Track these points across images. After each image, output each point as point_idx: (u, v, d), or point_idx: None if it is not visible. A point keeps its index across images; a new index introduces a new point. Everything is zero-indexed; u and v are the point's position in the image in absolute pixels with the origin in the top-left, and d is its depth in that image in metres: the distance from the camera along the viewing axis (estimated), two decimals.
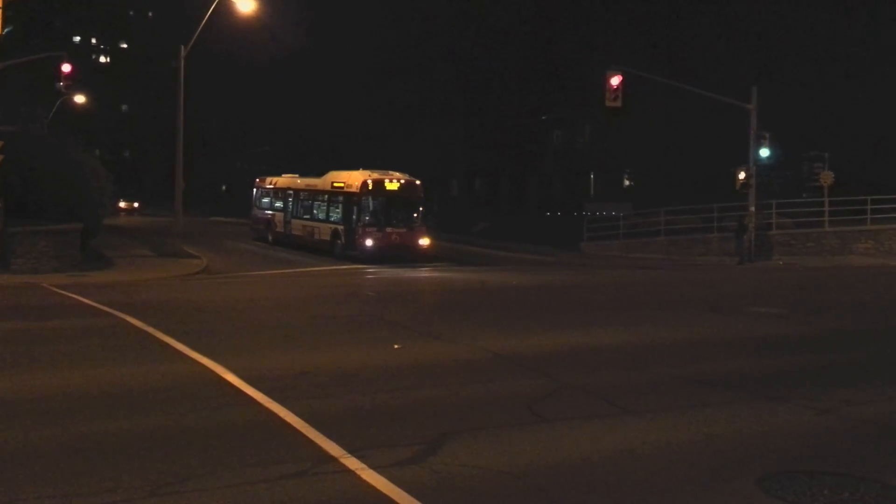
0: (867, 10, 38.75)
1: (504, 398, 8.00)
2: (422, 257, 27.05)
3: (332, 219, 28.94)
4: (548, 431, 6.83)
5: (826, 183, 30.41)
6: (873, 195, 30.97)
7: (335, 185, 29.06)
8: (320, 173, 31.22)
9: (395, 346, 10.77)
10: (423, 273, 23.80)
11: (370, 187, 27.07)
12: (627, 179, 54.71)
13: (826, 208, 30.50)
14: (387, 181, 27.47)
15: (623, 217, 36.70)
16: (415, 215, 27.70)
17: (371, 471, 5.67)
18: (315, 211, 30.62)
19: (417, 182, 28.09)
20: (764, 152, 29.39)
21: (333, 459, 5.94)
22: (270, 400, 7.56)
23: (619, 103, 27.51)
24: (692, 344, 11.37)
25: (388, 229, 26.88)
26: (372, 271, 23.74)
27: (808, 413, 7.47)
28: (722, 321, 13.72)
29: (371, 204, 27.15)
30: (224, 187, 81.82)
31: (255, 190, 36.80)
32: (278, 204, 33.93)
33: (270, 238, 33.70)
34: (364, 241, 26.64)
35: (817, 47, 37.90)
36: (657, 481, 5.66)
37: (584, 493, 5.46)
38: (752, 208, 28.78)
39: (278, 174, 36.01)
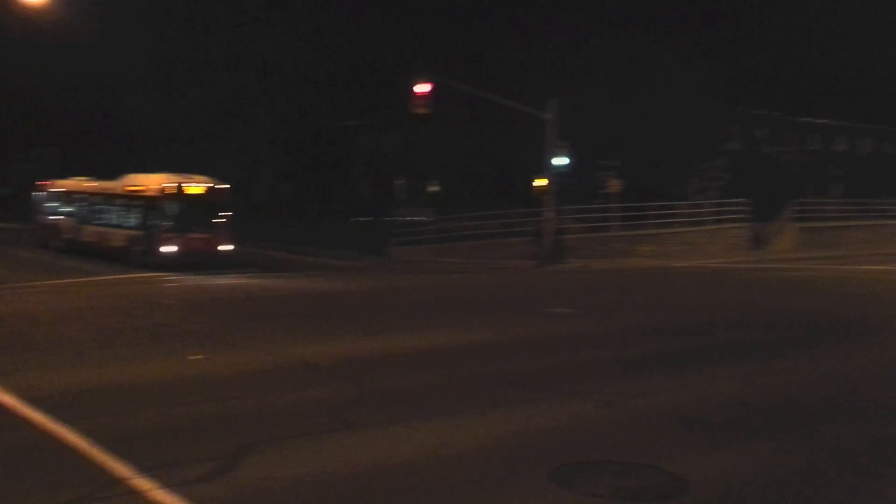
0: (656, 30, 42.02)
1: (309, 406, 7.91)
2: (226, 264, 26.20)
3: (129, 224, 27.40)
4: (353, 438, 6.82)
5: (615, 190, 32.61)
6: (655, 202, 33.66)
7: (132, 188, 27.55)
8: (115, 176, 29.51)
9: (195, 357, 10.35)
10: (227, 280, 23.06)
11: (170, 191, 25.89)
12: (435, 185, 55.94)
13: (614, 214, 32.69)
14: (188, 185, 26.41)
15: (430, 222, 37.43)
16: (218, 220, 26.78)
17: (163, 490, 5.40)
18: (110, 216, 28.87)
19: (220, 186, 27.21)
20: (561, 161, 31.02)
21: (120, 481, 5.59)
22: (53, 420, 7.02)
23: (426, 111, 27.97)
24: (494, 344, 11.77)
25: (190, 235, 25.82)
26: (172, 279, 22.69)
27: (597, 406, 7.94)
28: (522, 322, 14.31)
29: (171, 208, 25.97)
30: (6, 190, 75.17)
31: (40, 194, 34.13)
32: (68, 209, 31.65)
33: (59, 245, 31.35)
34: (163, 247, 25.43)
35: (611, 63, 40.64)
36: (456, 480, 5.81)
37: (384, 497, 5.50)
38: (550, 214, 30.29)
39: (66, 177, 33.62)
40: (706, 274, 25.58)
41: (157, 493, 5.37)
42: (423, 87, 27.46)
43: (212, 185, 27.01)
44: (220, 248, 26.47)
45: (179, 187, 26.15)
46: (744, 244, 36.08)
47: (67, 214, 31.48)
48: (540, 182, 30.85)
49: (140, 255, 26.15)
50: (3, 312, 14.98)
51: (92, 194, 30.33)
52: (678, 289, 21.07)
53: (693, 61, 41.64)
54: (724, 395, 8.54)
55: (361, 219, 52.24)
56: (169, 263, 25.21)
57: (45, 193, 33.63)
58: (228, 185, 27.58)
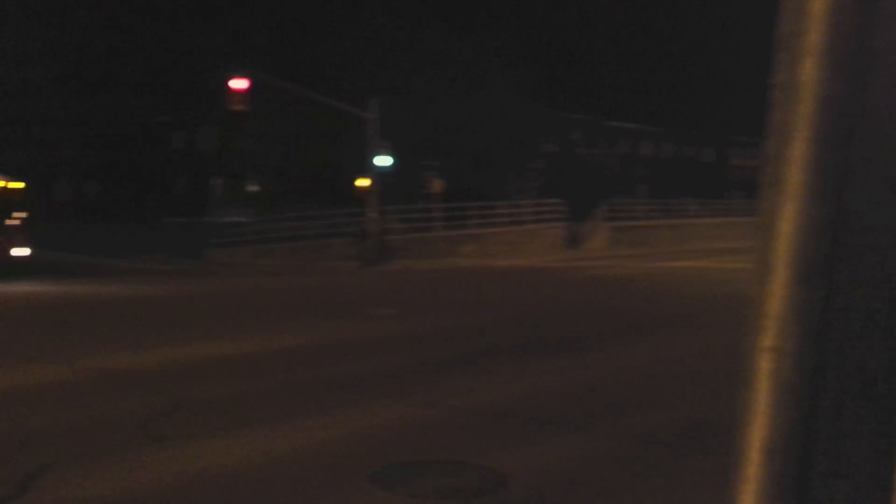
0: (474, 32, 43.01)
1: (114, 420, 7.38)
2: (21, 269, 24.22)
3: None
4: (163, 451, 6.42)
5: (437, 190, 33.16)
6: (476, 202, 34.51)
7: None
8: None
9: None
10: (20, 287, 21.32)
11: None
12: (255, 185, 54.55)
13: (437, 214, 33.22)
14: None
15: (250, 223, 36.46)
16: (11, 222, 24.70)
17: None
18: None
19: (14, 184, 25.13)
20: (384, 160, 31.15)
21: None
22: None
23: (244, 108, 27.28)
24: (315, 348, 11.54)
25: None
26: None
27: (419, 407, 7.94)
28: (344, 324, 14.15)
29: None
30: None
31: None
32: None
33: None
34: None
35: (431, 64, 41.13)
36: (272, 487, 5.60)
37: None
38: (374, 214, 30.31)
39: None
40: (525, 273, 26.51)
41: None
42: (239, 83, 26.75)
43: (3, 183, 24.89)
44: (14, 252, 24.45)
45: None
46: (561, 243, 37.75)
47: None
48: (363, 182, 30.82)
49: None
50: None
51: None
52: (498, 288, 21.66)
53: (511, 66, 43.09)
54: (539, 389, 8.79)
55: (176, 220, 50.07)
56: None
57: None
58: (24, 184, 25.53)
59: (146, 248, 34.64)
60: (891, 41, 1.52)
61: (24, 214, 25.08)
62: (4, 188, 24.74)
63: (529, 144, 44.22)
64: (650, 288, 20.26)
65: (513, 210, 36.56)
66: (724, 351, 10.28)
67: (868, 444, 1.54)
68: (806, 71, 1.54)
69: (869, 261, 1.55)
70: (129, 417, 7.44)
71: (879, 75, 1.53)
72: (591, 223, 40.15)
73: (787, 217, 1.53)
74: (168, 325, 14.16)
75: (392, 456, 6.27)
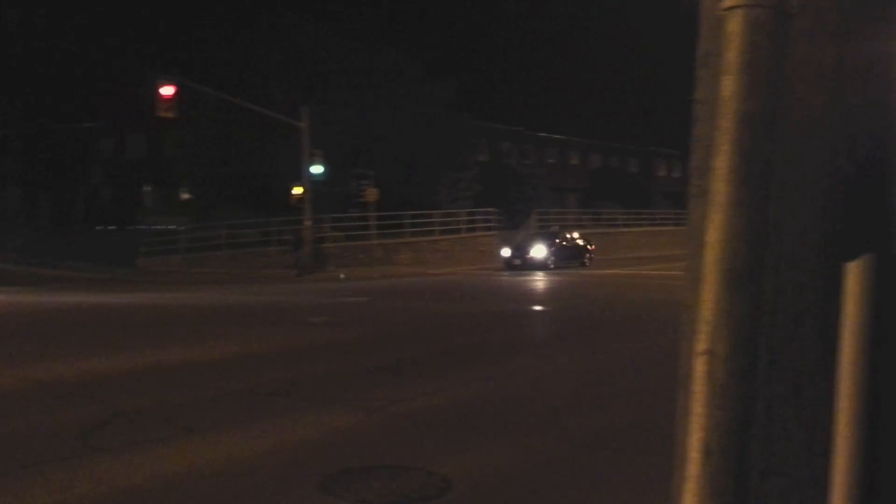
0: (396, 43, 43.14)
1: (52, 431, 7.27)
2: None
3: None
4: (103, 462, 6.35)
5: (372, 199, 33.15)
6: (410, 210, 34.59)
7: None
8: None
9: None
10: None
11: None
12: (187, 192, 53.56)
13: (373, 223, 33.22)
14: None
15: (182, 231, 35.87)
16: None
17: None
18: None
19: None
20: (316, 169, 31.04)
21: None
22: None
23: (172, 114, 26.98)
24: (254, 356, 11.50)
25: None
26: None
27: (362, 413, 8.02)
28: (282, 332, 14.12)
29: None
30: None
31: None
32: None
33: None
34: None
35: (358, 73, 41.05)
36: (222, 497, 5.61)
37: None
38: (308, 222, 30.15)
39: None
40: (457, 281, 26.69)
41: None
42: (167, 90, 26.50)
43: None
44: None
45: None
46: (495, 251, 38.06)
47: None
48: (297, 190, 30.65)
49: None
50: None
51: None
52: (431, 296, 21.80)
53: (438, 76, 43.41)
54: (477, 395, 8.95)
55: (107, 228, 48.85)
56: None
57: None
58: None
59: (76, 257, 33.76)
60: (804, 59, 1.67)
61: None
62: None
63: (461, 153, 44.45)
64: (586, 294, 20.66)
65: (447, 219, 36.75)
66: (661, 354, 10.63)
67: (799, 444, 1.67)
68: (725, 88, 1.62)
69: (792, 267, 1.70)
70: (67, 428, 7.34)
71: (794, 91, 1.67)
72: (524, 232, 40.62)
73: (715, 226, 1.60)
74: (101, 333, 13.90)
75: (338, 463, 6.34)
